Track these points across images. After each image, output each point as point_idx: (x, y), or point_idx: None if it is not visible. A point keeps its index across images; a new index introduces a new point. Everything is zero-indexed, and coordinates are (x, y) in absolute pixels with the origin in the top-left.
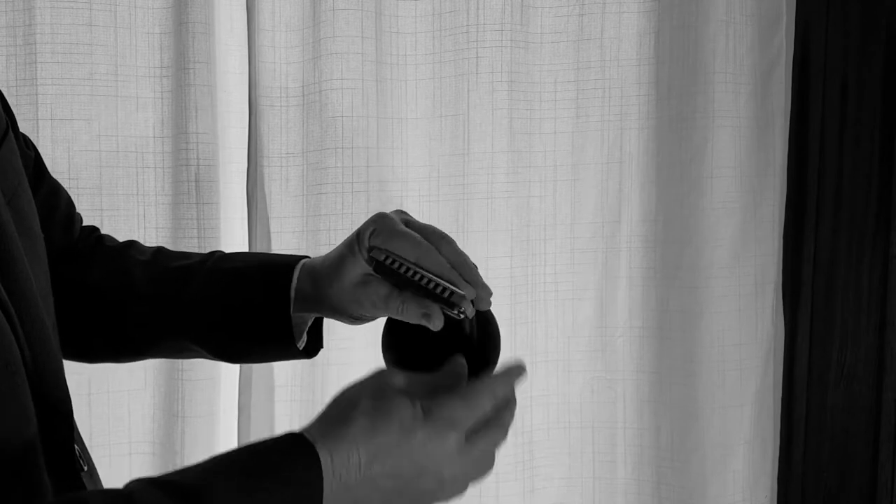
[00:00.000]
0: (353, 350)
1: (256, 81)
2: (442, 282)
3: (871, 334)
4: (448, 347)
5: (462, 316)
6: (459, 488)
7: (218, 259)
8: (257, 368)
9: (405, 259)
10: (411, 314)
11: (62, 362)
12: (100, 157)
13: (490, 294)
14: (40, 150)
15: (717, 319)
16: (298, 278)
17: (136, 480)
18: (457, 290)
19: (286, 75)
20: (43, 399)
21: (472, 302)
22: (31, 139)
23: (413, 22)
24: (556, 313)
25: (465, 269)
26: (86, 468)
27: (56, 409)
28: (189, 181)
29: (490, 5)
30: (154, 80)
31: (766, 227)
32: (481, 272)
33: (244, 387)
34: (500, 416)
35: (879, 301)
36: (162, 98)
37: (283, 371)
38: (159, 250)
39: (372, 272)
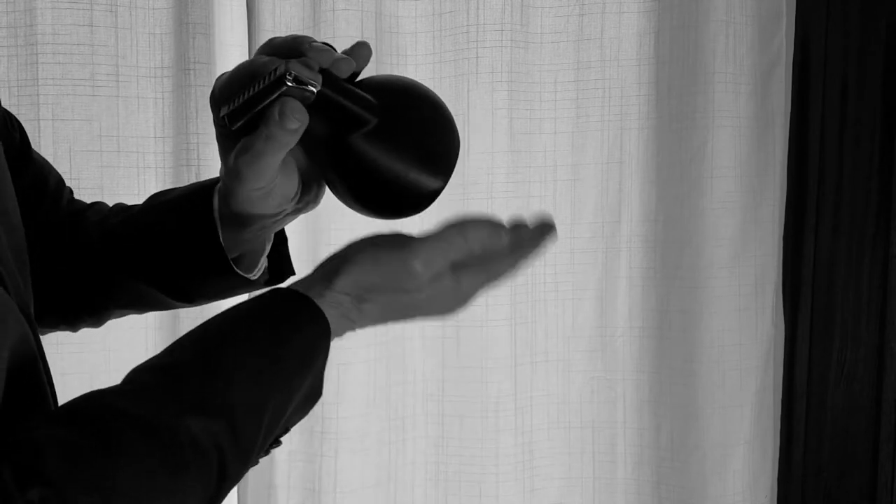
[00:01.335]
0: (353, 350)
1: None
2: (265, 75)
3: (871, 334)
4: (344, 130)
5: (309, 88)
6: (437, 310)
7: (151, 197)
8: None
9: (238, 92)
10: (273, 129)
11: (46, 361)
12: (100, 158)
13: (329, 51)
14: (41, 150)
15: (716, 319)
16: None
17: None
18: (276, 68)
19: None
20: None
21: (313, 70)
22: (31, 138)
23: (413, 22)
24: (556, 313)
25: (288, 49)
26: None
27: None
28: (189, 181)
29: (490, 5)
30: (155, 80)
31: (766, 227)
32: None
33: None
34: (488, 262)
35: (879, 301)
36: (163, 98)
37: None
38: (116, 204)
39: (231, 131)
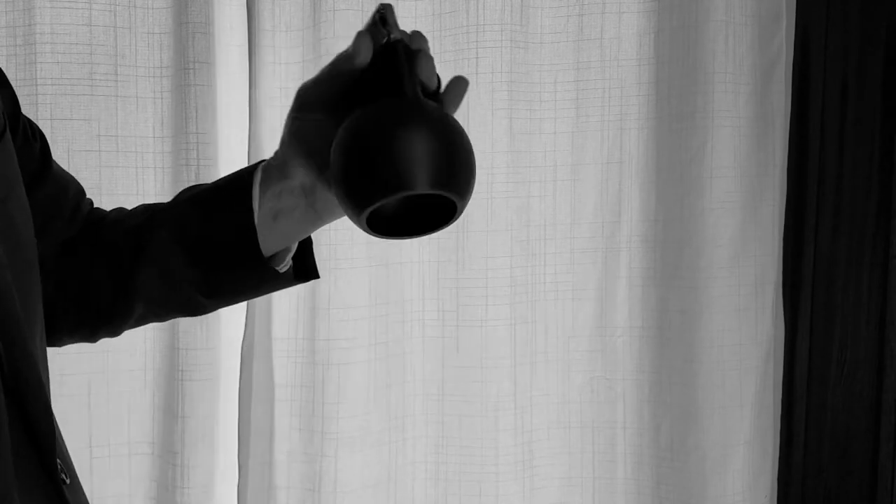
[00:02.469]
0: (353, 350)
1: (256, 81)
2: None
3: (871, 334)
4: (384, 91)
5: (386, 31)
6: None
7: (183, 191)
8: (257, 369)
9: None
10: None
11: (43, 376)
12: (100, 158)
13: (429, 57)
14: None
15: (716, 319)
16: (264, 172)
17: None
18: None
19: (286, 75)
20: (22, 413)
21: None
22: None
23: (413, 22)
24: (556, 313)
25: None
26: (68, 481)
27: (36, 423)
28: (189, 181)
29: (490, 5)
30: (154, 80)
31: (766, 227)
32: (481, 272)
33: (244, 387)
34: None
35: (879, 301)
36: (162, 98)
37: (283, 371)
38: (137, 206)
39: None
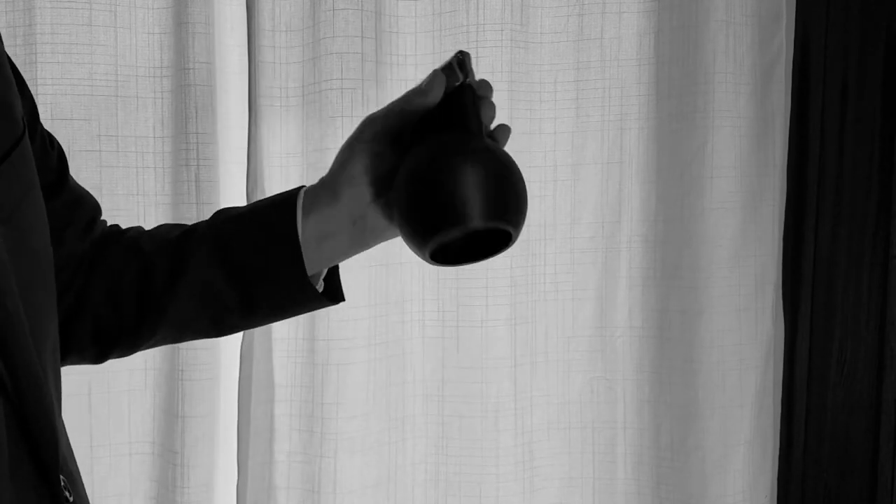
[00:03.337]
0: (353, 350)
1: (256, 81)
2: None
3: (871, 334)
4: (451, 127)
5: (460, 76)
6: None
7: (220, 210)
8: (257, 368)
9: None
10: (417, 85)
11: (50, 389)
12: (100, 157)
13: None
14: None
15: (717, 319)
16: (306, 196)
17: None
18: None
19: (286, 75)
20: (26, 427)
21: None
22: None
23: (413, 22)
24: (556, 313)
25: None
26: (72, 498)
27: (40, 439)
28: (189, 181)
29: (490, 5)
30: (154, 80)
31: (766, 227)
32: (481, 272)
33: (244, 387)
34: None
35: (879, 300)
36: (162, 98)
37: (284, 371)
38: (166, 224)
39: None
